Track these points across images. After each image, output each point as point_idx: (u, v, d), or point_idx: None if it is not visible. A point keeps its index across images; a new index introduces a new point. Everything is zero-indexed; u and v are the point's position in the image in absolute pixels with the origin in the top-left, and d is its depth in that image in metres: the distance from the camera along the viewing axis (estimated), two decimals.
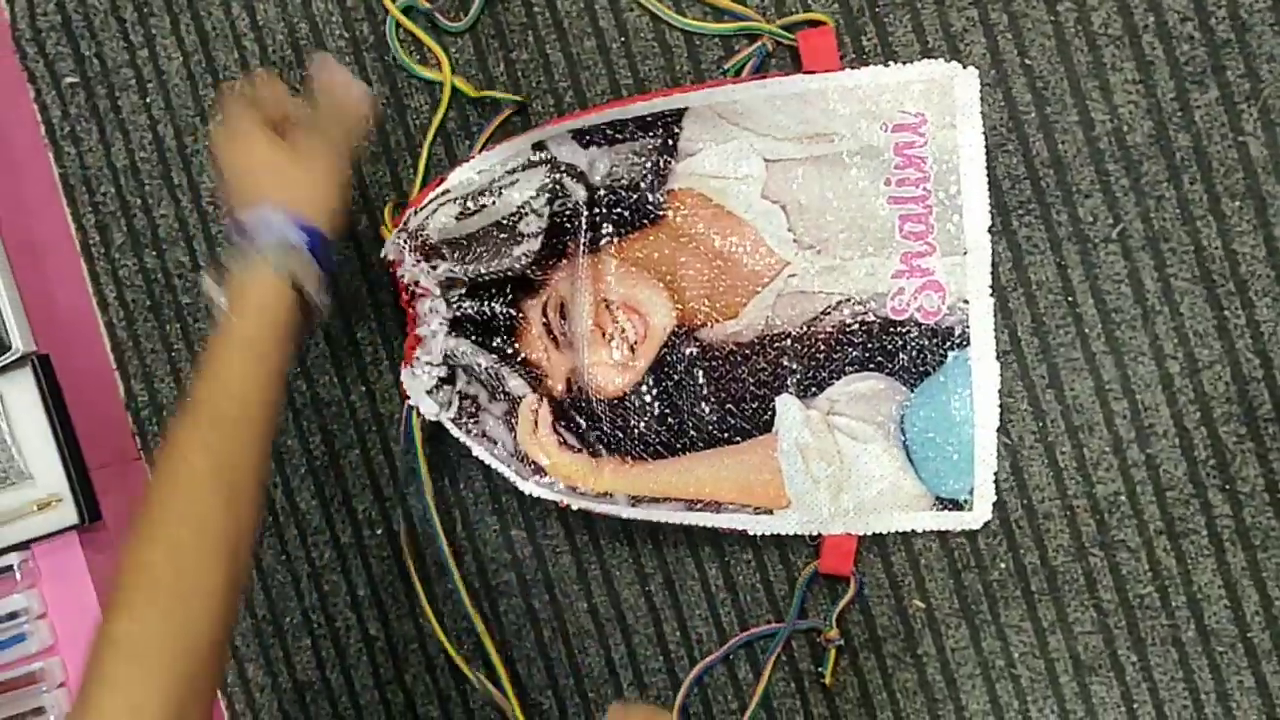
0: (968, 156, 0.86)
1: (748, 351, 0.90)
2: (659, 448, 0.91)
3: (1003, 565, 0.94)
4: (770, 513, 0.90)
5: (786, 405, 0.90)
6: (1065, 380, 0.91)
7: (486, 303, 0.91)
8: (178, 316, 1.05)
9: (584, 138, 0.89)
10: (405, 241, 0.89)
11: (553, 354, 0.93)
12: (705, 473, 0.91)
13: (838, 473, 0.90)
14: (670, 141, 0.88)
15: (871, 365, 0.89)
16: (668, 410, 0.91)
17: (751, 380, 0.90)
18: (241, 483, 0.68)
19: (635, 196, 0.89)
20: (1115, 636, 0.93)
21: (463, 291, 0.91)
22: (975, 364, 0.88)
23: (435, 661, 1.04)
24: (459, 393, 0.92)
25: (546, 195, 0.89)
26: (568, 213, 0.89)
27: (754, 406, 0.91)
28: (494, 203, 0.88)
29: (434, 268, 0.89)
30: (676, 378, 0.91)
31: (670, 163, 0.89)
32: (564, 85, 0.95)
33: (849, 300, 0.89)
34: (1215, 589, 0.91)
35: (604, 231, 0.90)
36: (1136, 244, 0.89)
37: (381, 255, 0.91)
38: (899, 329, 0.89)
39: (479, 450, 0.91)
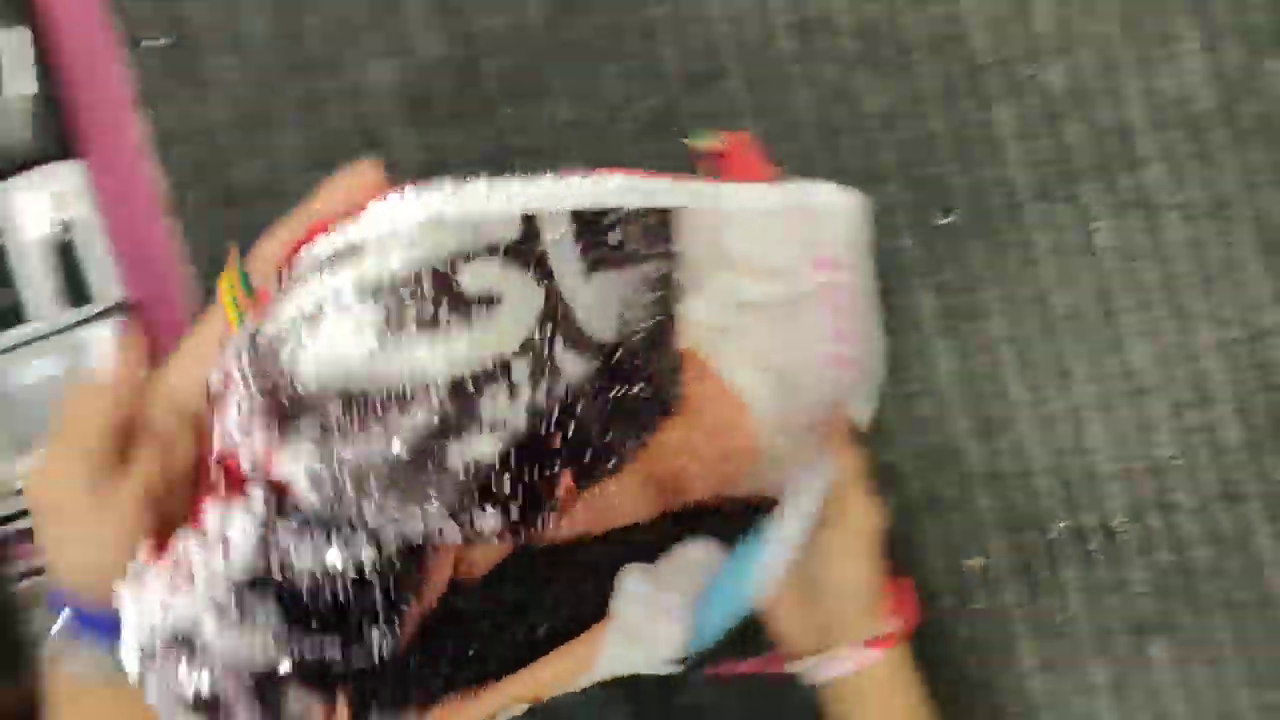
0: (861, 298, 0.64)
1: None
2: (477, 671, 0.56)
3: (1061, 525, 0.95)
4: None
5: (629, 584, 0.60)
6: (1127, 344, 0.93)
7: (354, 547, 0.46)
8: None
9: (589, 245, 0.48)
10: (249, 362, 0.44)
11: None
12: (523, 688, 0.57)
13: (650, 657, 0.60)
14: (669, 269, 0.53)
15: (717, 533, 0.64)
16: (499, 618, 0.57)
17: (602, 567, 0.60)
18: None
19: (652, 369, 0.51)
20: (1172, 598, 0.94)
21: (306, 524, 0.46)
22: (775, 543, 0.61)
23: None
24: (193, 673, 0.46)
25: (532, 359, 0.44)
26: (549, 414, 0.45)
27: (597, 601, 0.60)
28: (453, 336, 0.43)
29: (278, 449, 0.44)
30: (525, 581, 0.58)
31: (674, 305, 0.54)
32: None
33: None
34: (1273, 553, 0.93)
35: (616, 442, 0.50)
36: (1199, 211, 0.91)
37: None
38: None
39: None
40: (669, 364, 0.51)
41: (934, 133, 0.94)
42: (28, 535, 1.03)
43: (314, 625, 0.44)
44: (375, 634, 0.45)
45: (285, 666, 0.45)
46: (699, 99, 0.98)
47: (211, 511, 0.43)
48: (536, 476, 0.44)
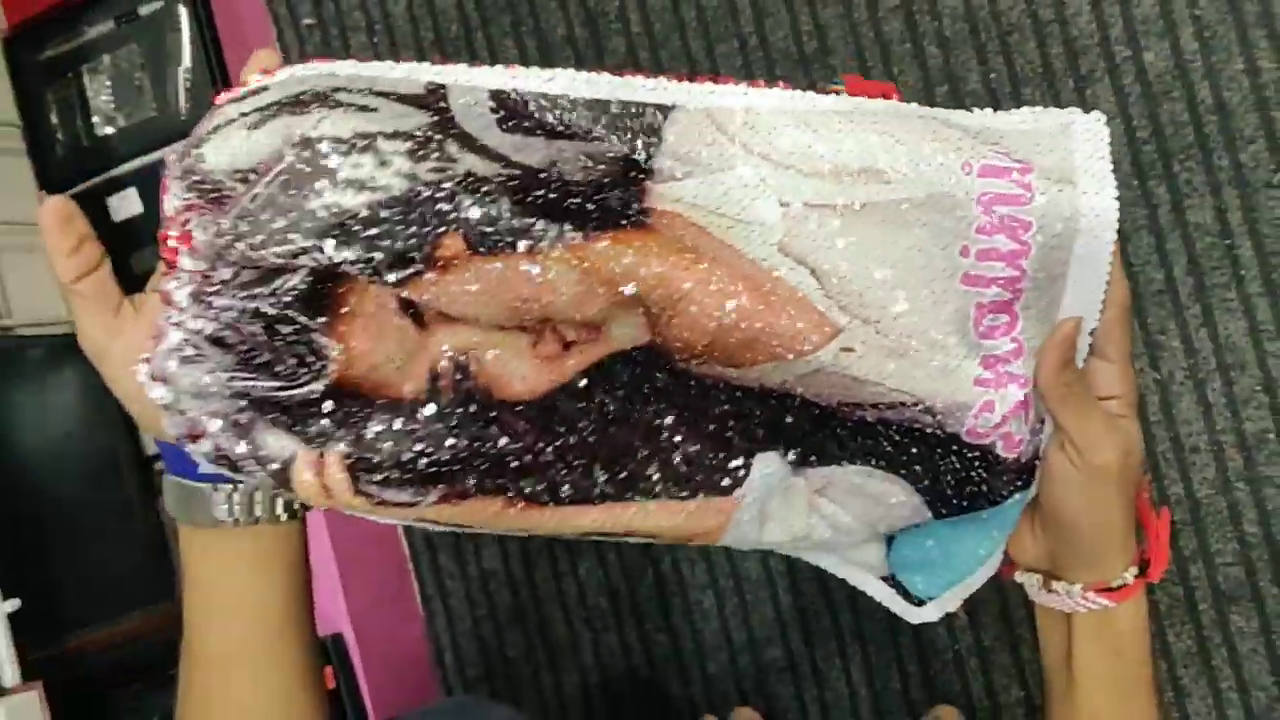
0: (1092, 228, 0.54)
1: (738, 394, 0.59)
2: (568, 487, 0.58)
3: (1146, 496, 0.98)
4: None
5: (766, 463, 0.60)
6: (1219, 320, 0.95)
7: (273, 285, 0.51)
8: None
9: (508, 116, 0.53)
10: (176, 168, 0.51)
11: (395, 334, 0.54)
12: (630, 523, 0.60)
13: (796, 544, 0.64)
14: (645, 154, 0.54)
15: (902, 471, 0.60)
16: (595, 439, 0.58)
17: (732, 428, 0.59)
18: (235, 696, 0.60)
19: (599, 195, 0.53)
20: (1257, 569, 0.96)
21: (245, 279, 0.51)
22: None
23: (606, 558, 1.14)
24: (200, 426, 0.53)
25: (409, 144, 0.50)
26: (444, 189, 0.51)
27: (721, 459, 0.60)
28: (315, 119, 0.51)
29: (202, 216, 0.50)
30: (622, 394, 0.58)
31: (643, 180, 0.53)
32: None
33: (917, 405, 0.58)
34: None
35: (539, 229, 0.53)
36: None
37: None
38: (964, 453, 0.59)
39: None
40: (621, 199, 0.52)
41: None
42: None
43: (251, 363, 0.51)
44: (304, 371, 0.51)
45: (241, 403, 0.52)
46: (808, 77, 1.04)
47: (165, 282, 0.51)
48: (411, 229, 0.50)
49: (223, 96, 0.49)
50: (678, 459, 0.59)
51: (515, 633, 1.18)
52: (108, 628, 1.02)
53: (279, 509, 0.57)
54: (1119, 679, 0.62)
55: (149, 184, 1.10)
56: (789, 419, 0.58)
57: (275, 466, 0.52)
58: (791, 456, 0.59)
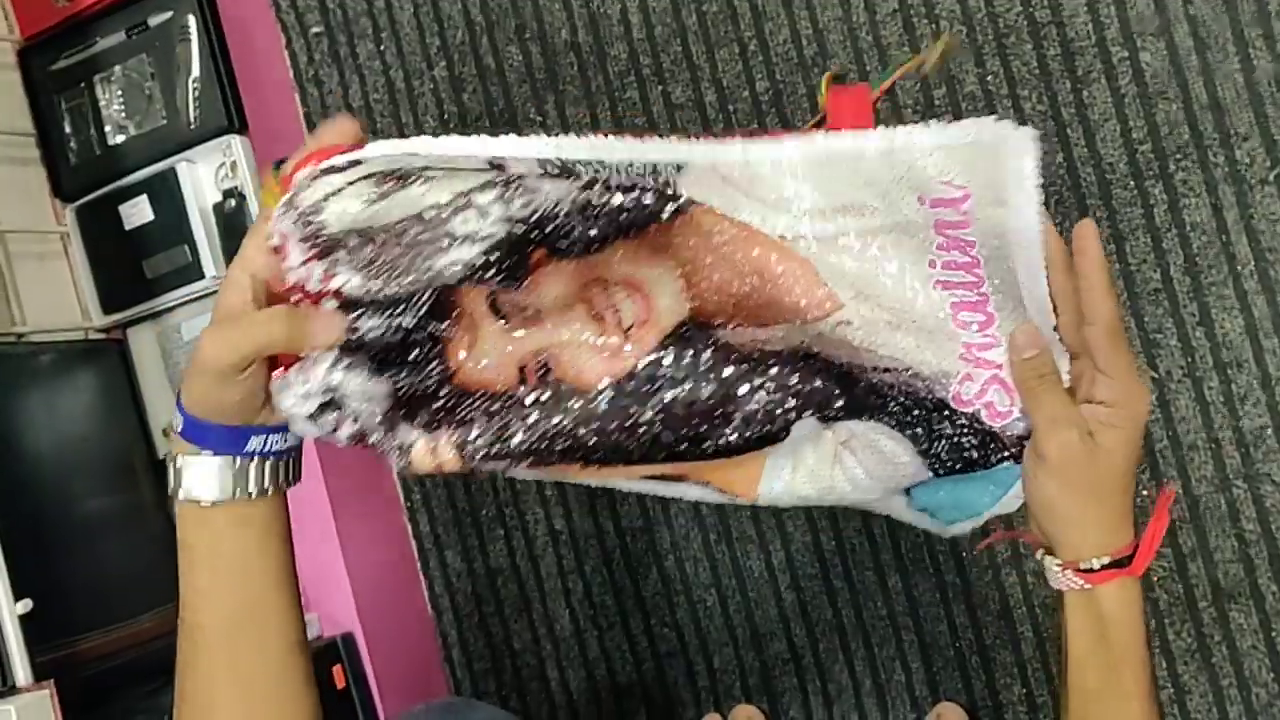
0: (1019, 242, 0.63)
1: (773, 361, 0.71)
2: (636, 453, 0.72)
3: (1144, 493, 0.99)
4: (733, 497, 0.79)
5: (802, 425, 0.72)
6: (1216, 318, 0.96)
7: (400, 311, 0.66)
8: None
9: (551, 174, 0.64)
10: (293, 223, 0.62)
11: (495, 340, 0.69)
12: (683, 470, 0.75)
13: (823, 495, 0.75)
14: (663, 201, 0.66)
15: (907, 432, 0.71)
16: (659, 415, 0.70)
17: (768, 398, 0.71)
18: (242, 663, 0.65)
19: (638, 200, 0.65)
20: (1256, 566, 0.97)
21: (373, 311, 0.65)
22: (1015, 489, 0.71)
23: (612, 556, 1.15)
24: (346, 422, 0.67)
25: (496, 191, 0.63)
26: (532, 217, 0.64)
27: (763, 428, 0.72)
28: (420, 191, 0.63)
29: (329, 271, 0.63)
30: (679, 375, 0.70)
31: (668, 206, 0.66)
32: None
33: (908, 370, 0.69)
34: None
35: (593, 236, 0.66)
36: None
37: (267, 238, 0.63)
38: (954, 419, 0.70)
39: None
40: (661, 200, 0.65)
41: (1029, 113, 0.99)
42: None
43: (389, 365, 0.66)
44: (432, 366, 0.67)
45: (386, 404, 0.67)
46: (807, 81, 1.05)
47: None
48: (513, 258, 0.64)
49: (307, 170, 0.61)
50: (728, 426, 0.71)
51: (522, 628, 1.19)
52: (120, 629, 1.04)
53: (282, 478, 0.66)
54: (1104, 662, 0.65)
55: (159, 192, 1.12)
56: (818, 382, 0.71)
57: (404, 448, 0.68)
58: (818, 414, 0.71)
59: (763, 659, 1.11)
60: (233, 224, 1.11)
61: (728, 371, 0.70)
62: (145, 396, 1.17)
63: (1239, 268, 0.95)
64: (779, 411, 0.71)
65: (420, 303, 0.66)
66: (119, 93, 1.14)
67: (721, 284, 0.68)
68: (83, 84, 1.15)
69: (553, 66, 1.13)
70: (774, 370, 0.70)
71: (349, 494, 1.14)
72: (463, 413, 0.69)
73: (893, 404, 0.71)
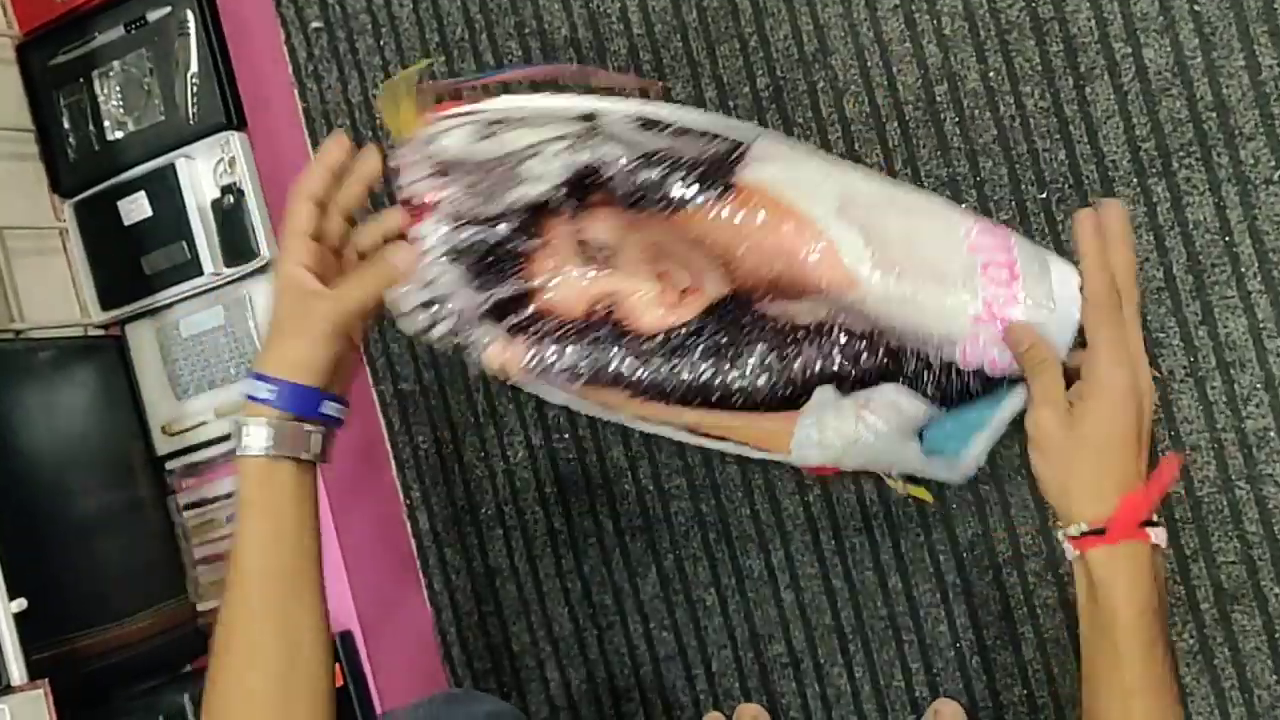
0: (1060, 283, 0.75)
1: (800, 335, 0.83)
2: (679, 397, 0.85)
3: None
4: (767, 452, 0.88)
5: (822, 391, 0.83)
6: (1219, 317, 0.95)
7: (494, 228, 0.82)
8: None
9: (646, 124, 0.80)
10: (414, 150, 0.81)
11: (577, 275, 0.85)
12: (717, 421, 0.87)
13: (848, 448, 0.83)
14: (739, 152, 0.79)
15: (917, 387, 0.81)
16: (704, 364, 0.84)
17: (795, 363, 0.83)
18: (292, 615, 0.71)
19: (688, 175, 0.78)
20: (1259, 568, 0.96)
21: (463, 221, 0.82)
22: (1014, 395, 0.80)
23: (611, 556, 1.15)
24: (442, 319, 0.84)
25: (569, 142, 0.79)
26: (595, 168, 0.79)
27: (790, 389, 0.84)
28: (512, 134, 0.80)
29: (438, 187, 0.81)
30: (721, 337, 0.84)
31: (735, 166, 0.79)
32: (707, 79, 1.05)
33: (917, 335, 0.79)
34: None
35: (648, 199, 0.79)
36: None
37: (387, 158, 0.80)
38: (963, 376, 0.79)
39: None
40: (715, 176, 0.78)
41: (1032, 110, 0.98)
42: (192, 470, 1.15)
43: (483, 273, 0.82)
44: (517, 279, 0.83)
45: (474, 304, 0.83)
46: (808, 77, 1.04)
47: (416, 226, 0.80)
48: (573, 194, 0.80)
49: (440, 112, 0.80)
50: (759, 382, 0.84)
51: (521, 629, 1.19)
52: (117, 627, 1.04)
53: (329, 449, 0.75)
54: (1095, 622, 0.71)
55: (158, 188, 1.12)
56: (834, 355, 0.82)
57: (482, 344, 0.84)
58: (838, 384, 0.82)
59: (762, 660, 1.11)
60: (231, 220, 1.11)
61: (761, 337, 0.83)
62: (144, 393, 1.16)
63: (1242, 268, 0.94)
64: (805, 375, 0.83)
65: (512, 220, 0.82)
66: (117, 88, 1.14)
67: (758, 264, 0.80)
68: (81, 79, 1.15)
69: (552, 62, 1.12)
70: (801, 337, 0.83)
71: (346, 491, 1.13)
72: (535, 329, 0.84)
73: (907, 368, 0.81)
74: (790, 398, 0.84)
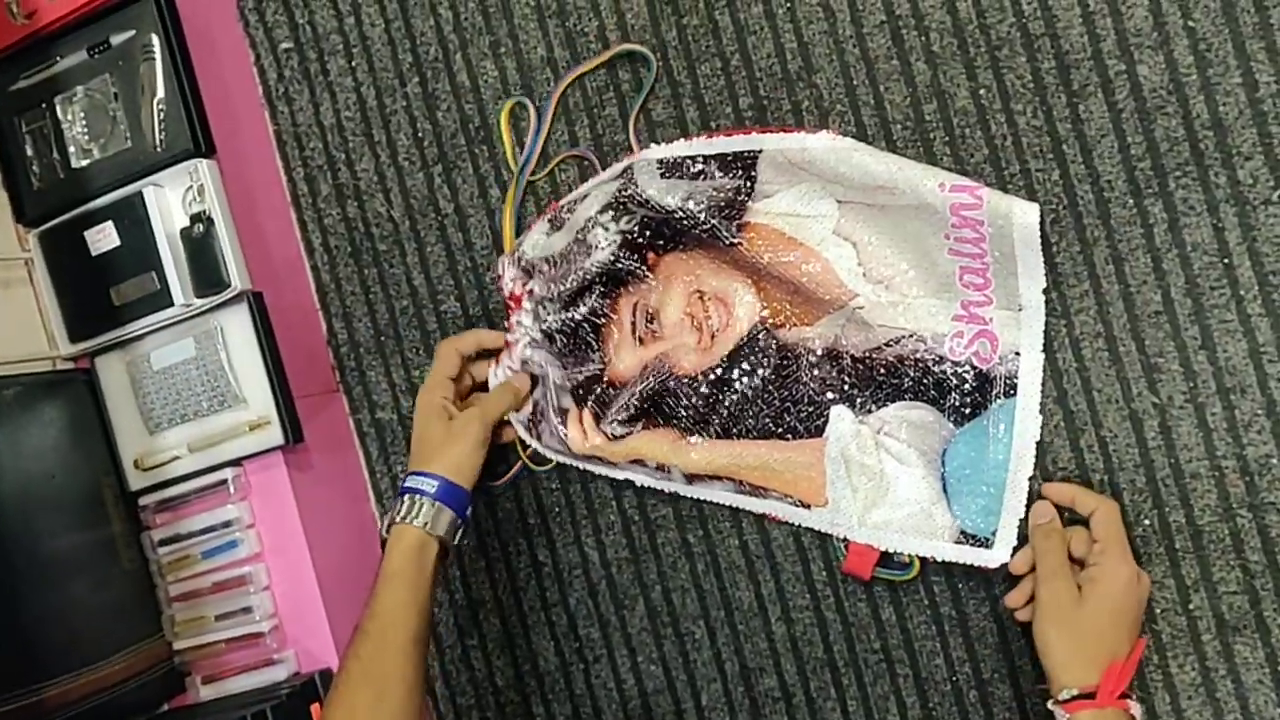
0: (1021, 230, 0.90)
1: (814, 358, 0.98)
2: (717, 427, 1.00)
3: (1146, 522, 0.95)
4: (808, 507, 0.99)
5: (840, 416, 0.97)
6: (1218, 342, 0.92)
7: (573, 311, 1.02)
8: (375, 262, 1.16)
9: (667, 171, 0.98)
10: (507, 260, 1.05)
11: (630, 349, 1.03)
12: (755, 459, 1.00)
13: (875, 488, 0.96)
14: (748, 184, 0.97)
15: (924, 398, 0.95)
16: (735, 395, 1.00)
17: (814, 386, 0.98)
18: (389, 679, 0.88)
19: (710, 224, 0.97)
20: (1261, 598, 0.93)
21: (555, 307, 1.02)
22: (1019, 414, 0.94)
23: (597, 588, 1.12)
24: (534, 400, 1.06)
25: (613, 211, 1.00)
26: (636, 228, 1.00)
27: (810, 410, 0.98)
28: (570, 218, 1.01)
29: (525, 284, 1.03)
30: (749, 368, 0.99)
31: (747, 201, 0.97)
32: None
33: (910, 335, 0.95)
34: None
35: (683, 244, 1.00)
36: None
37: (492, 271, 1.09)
38: (953, 369, 0.94)
39: (542, 447, 1.07)
40: (726, 218, 0.97)
41: (1024, 129, 0.95)
42: (165, 505, 1.12)
43: (565, 353, 1.03)
44: (592, 358, 1.03)
45: (558, 378, 1.04)
46: (791, 96, 1.01)
47: (513, 316, 1.06)
48: (632, 253, 1.01)
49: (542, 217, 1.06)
50: (784, 409, 0.99)
51: (506, 663, 1.16)
52: (89, 672, 1.01)
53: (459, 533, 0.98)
54: None
55: (126, 217, 1.08)
56: (845, 377, 0.97)
57: (563, 413, 1.04)
58: (854, 408, 0.97)
59: (752, 694, 1.08)
60: (201, 249, 1.08)
61: (784, 363, 0.98)
62: (115, 427, 1.13)
63: (1242, 291, 0.91)
64: (822, 398, 0.98)
65: (590, 296, 1.01)
66: (81, 114, 1.11)
67: (780, 291, 0.98)
68: (44, 105, 1.11)
69: (528, 83, 1.09)
70: (814, 362, 0.98)
71: (323, 528, 1.10)
72: (599, 391, 1.03)
73: (907, 379, 0.95)
74: (812, 420, 0.98)
